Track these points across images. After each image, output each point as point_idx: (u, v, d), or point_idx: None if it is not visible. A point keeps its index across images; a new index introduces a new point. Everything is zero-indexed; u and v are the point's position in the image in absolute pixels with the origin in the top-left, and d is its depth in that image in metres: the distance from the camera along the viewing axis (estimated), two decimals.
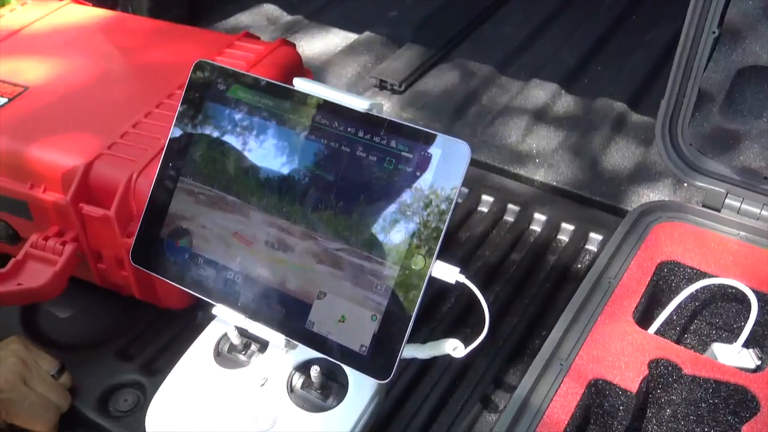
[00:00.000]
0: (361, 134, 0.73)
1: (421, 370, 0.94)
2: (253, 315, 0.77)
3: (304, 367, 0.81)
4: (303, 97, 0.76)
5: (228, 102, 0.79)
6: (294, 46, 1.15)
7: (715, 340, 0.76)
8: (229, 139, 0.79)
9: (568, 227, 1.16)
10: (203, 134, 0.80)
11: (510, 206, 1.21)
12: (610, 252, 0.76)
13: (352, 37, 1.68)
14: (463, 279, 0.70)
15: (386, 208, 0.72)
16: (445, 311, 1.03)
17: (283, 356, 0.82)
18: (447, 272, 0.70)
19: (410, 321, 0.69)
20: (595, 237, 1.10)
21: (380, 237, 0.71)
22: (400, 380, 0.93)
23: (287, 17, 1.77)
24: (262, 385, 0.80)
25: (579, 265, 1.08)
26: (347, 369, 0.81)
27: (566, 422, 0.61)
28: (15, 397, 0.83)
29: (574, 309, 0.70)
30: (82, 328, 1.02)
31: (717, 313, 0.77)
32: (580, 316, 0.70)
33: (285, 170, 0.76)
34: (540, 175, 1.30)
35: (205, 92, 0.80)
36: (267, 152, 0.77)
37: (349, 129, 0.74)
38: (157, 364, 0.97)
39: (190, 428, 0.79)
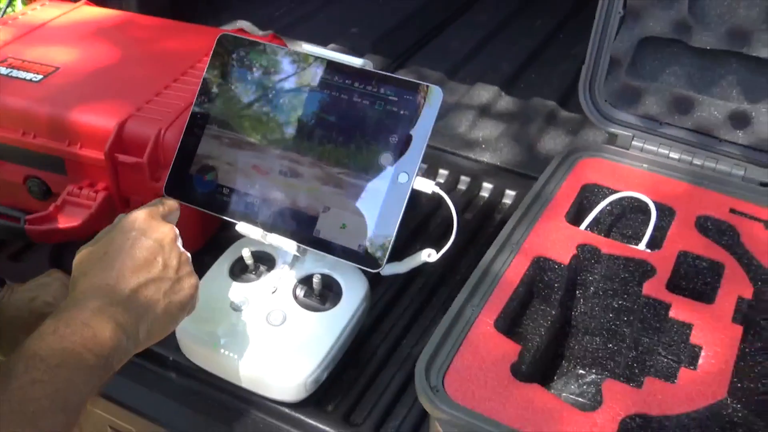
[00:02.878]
0: (356, 85, 0.95)
1: (397, 292, 1.14)
2: (271, 229, 0.96)
3: (306, 280, 1.00)
4: (310, 58, 0.98)
5: (248, 64, 1.00)
6: (283, 41, 1.37)
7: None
8: (249, 93, 0.99)
9: (510, 193, 1.38)
10: (227, 90, 1.00)
11: (462, 178, 1.43)
12: (545, 178, 0.98)
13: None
14: (437, 189, 0.91)
15: (378, 140, 0.93)
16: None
17: (288, 272, 1.01)
18: (425, 184, 0.91)
19: (397, 223, 0.90)
20: None
21: (373, 161, 0.93)
22: (380, 301, 1.13)
23: (258, 32, 1.98)
24: (273, 292, 0.99)
25: None
26: (340, 281, 1.01)
27: (517, 284, 0.82)
28: None
29: (521, 212, 0.92)
30: None
31: (628, 225, 1.00)
32: (525, 216, 0.92)
33: (296, 116, 0.97)
34: (486, 158, 1.53)
35: (229, 57, 1.01)
36: (281, 102, 0.98)
37: (346, 81, 0.95)
38: None
39: (213, 329, 0.97)
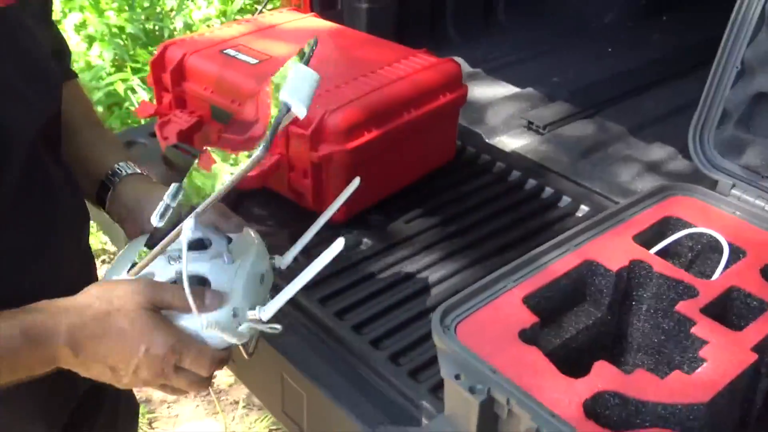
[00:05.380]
0: None
1: None
2: None
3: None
4: None
5: None
6: (459, 65, 1.56)
7: None
8: None
9: None
10: None
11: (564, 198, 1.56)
12: (628, 202, 1.06)
13: (515, 89, 2.06)
14: None
15: None
16: None
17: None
18: None
19: None
20: None
21: None
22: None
23: (468, 69, 2.18)
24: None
25: None
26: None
27: (560, 275, 0.92)
28: None
29: (591, 222, 1.01)
30: (270, 225, 1.45)
31: (706, 263, 1.03)
32: (594, 227, 1.00)
33: None
34: None
35: None
36: None
37: None
38: None
39: None
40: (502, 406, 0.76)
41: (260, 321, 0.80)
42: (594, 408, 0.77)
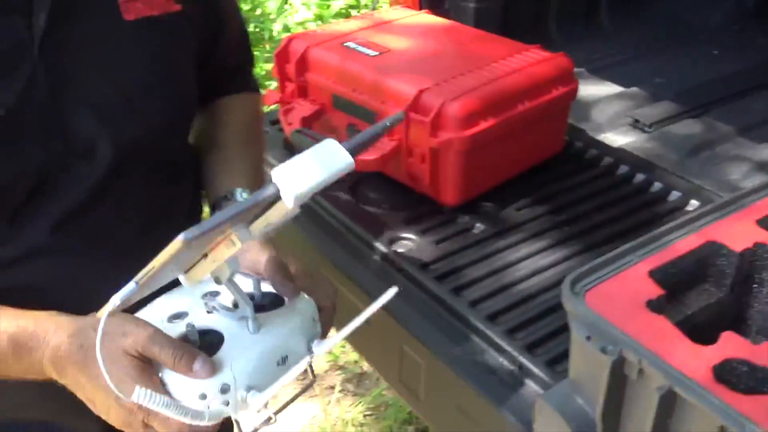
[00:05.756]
0: None
1: None
2: None
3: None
4: None
5: None
6: (571, 60, 1.59)
7: None
8: None
9: None
10: None
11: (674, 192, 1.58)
12: (749, 189, 1.07)
13: (619, 89, 2.08)
14: None
15: None
16: None
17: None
18: None
19: None
20: None
21: None
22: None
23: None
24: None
25: None
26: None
27: (683, 253, 0.95)
28: None
29: (712, 206, 1.03)
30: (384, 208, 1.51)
31: None
32: (715, 211, 1.03)
33: None
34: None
35: None
36: None
37: None
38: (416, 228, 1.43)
39: None
40: (633, 365, 0.80)
41: (248, 406, 0.73)
42: (722, 374, 0.80)
